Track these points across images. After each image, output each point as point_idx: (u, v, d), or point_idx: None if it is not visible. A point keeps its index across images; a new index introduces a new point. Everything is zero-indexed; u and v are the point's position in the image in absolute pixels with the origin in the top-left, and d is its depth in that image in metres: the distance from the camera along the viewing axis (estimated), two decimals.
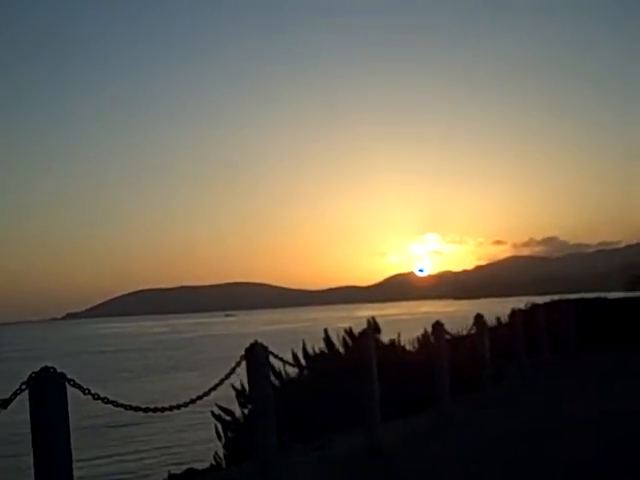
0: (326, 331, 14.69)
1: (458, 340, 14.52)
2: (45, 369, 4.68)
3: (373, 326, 15.36)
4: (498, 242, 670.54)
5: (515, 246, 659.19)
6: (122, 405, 5.30)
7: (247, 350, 6.62)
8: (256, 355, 6.62)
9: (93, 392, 5.02)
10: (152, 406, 5.83)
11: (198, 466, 12.61)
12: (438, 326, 10.85)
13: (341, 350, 14.88)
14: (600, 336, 19.11)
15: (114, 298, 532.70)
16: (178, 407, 5.93)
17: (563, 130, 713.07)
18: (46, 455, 4.58)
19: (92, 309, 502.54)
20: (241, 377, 13.83)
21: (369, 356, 8.55)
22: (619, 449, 7.47)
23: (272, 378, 14.06)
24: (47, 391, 4.63)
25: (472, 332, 13.37)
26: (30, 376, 4.63)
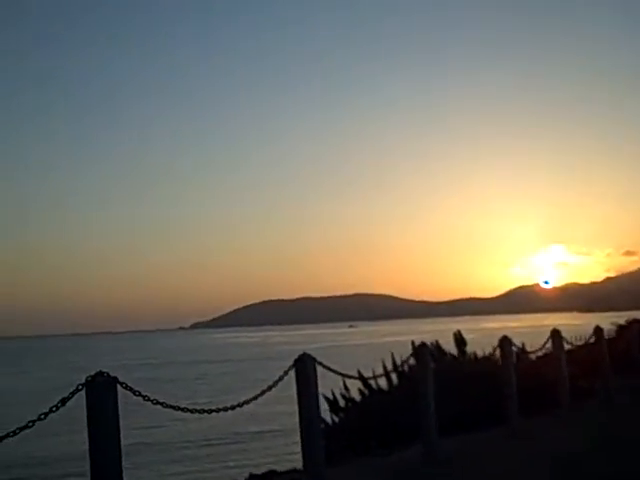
0: (413, 344, 15.16)
1: (543, 357, 14.78)
2: (100, 373, 5.46)
3: (459, 340, 15.83)
4: (629, 252, 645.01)
5: None
6: (172, 406, 6.00)
7: (296, 361, 7.24)
8: (305, 365, 7.23)
9: (143, 394, 5.75)
10: (212, 407, 6.54)
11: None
12: (506, 342, 11.20)
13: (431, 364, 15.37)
14: None
15: (238, 308, 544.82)
16: (233, 407, 6.60)
17: None
18: (99, 448, 5.36)
19: (217, 319, 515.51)
20: (333, 387, 14.55)
21: (426, 371, 9.04)
22: None
23: (361, 387, 14.84)
24: (101, 391, 5.41)
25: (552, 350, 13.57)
26: (86, 379, 5.41)
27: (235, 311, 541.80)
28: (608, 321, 20.18)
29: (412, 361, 15.01)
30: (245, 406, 6.71)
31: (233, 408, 6.48)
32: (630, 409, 12.84)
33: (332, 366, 8.57)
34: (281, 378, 7.02)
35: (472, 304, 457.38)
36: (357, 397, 14.65)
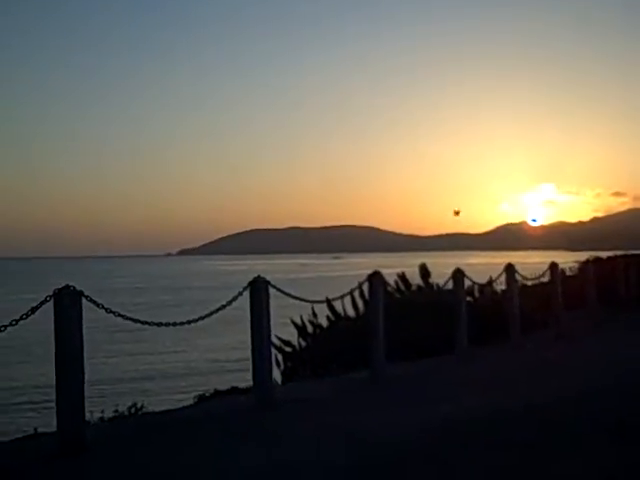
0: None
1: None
2: (66, 286, 6.12)
3: (424, 272, 16.58)
4: (617, 194, 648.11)
5: (636, 198, 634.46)
6: (130, 318, 6.69)
7: (250, 283, 7.89)
8: (258, 288, 7.89)
9: (106, 307, 6.43)
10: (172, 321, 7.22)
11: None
12: (459, 274, 11.92)
13: (396, 294, 16.17)
14: None
15: (227, 236, 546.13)
16: (195, 321, 7.30)
17: None
18: (64, 359, 6.06)
19: (205, 246, 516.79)
20: (302, 313, 15.30)
21: (377, 298, 9.75)
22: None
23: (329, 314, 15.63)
24: (67, 303, 6.08)
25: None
26: (54, 291, 6.08)
27: (224, 239, 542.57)
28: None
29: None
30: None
31: (189, 323, 7.16)
32: (569, 341, 13.62)
33: (307, 296, 9.28)
34: (234, 299, 7.65)
35: (460, 239, 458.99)
36: (325, 324, 15.49)
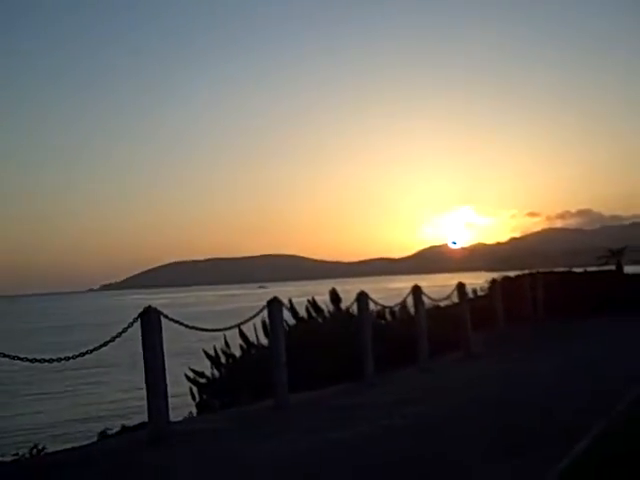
0: (290, 301, 15.91)
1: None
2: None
3: (334, 297, 16.57)
4: (532, 214, 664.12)
5: (549, 218, 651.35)
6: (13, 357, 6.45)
7: (141, 314, 7.71)
8: (149, 318, 7.71)
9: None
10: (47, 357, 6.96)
11: None
12: (363, 297, 11.93)
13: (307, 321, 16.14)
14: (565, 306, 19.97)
15: (149, 270, 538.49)
16: (73, 357, 7.07)
17: (599, 103, 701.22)
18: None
19: (127, 280, 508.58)
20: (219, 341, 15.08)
21: (277, 327, 9.68)
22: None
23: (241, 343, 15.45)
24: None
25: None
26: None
27: (145, 272, 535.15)
28: None
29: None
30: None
31: (75, 357, 6.94)
32: (475, 361, 13.82)
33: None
34: (125, 330, 7.45)
35: (383, 264, 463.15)
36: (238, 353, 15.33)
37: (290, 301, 16.24)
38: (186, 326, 8.43)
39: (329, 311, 16.06)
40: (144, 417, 8.12)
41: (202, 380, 15.17)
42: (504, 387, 10.17)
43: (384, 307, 14.94)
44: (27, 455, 8.34)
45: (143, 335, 7.69)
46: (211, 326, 9.17)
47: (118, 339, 7.40)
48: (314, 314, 16.34)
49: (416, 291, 13.75)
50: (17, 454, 8.34)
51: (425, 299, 15.47)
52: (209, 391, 14.85)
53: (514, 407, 8.47)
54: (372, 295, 13.18)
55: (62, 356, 6.95)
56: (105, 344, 7.27)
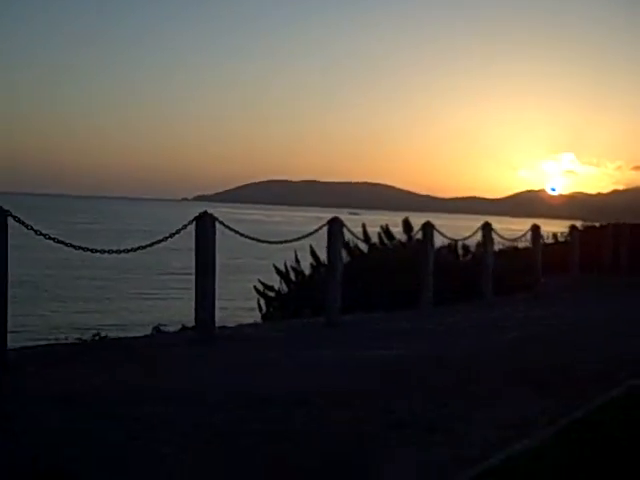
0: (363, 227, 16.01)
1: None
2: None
3: (407, 226, 16.51)
4: (637, 167, 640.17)
5: None
6: (66, 243, 6.73)
7: (196, 218, 7.86)
8: (205, 223, 7.87)
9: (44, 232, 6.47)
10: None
11: None
12: (429, 228, 11.84)
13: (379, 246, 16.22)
14: None
15: (244, 185, 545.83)
16: (127, 251, 7.32)
17: None
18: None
19: (222, 193, 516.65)
20: (286, 259, 15.40)
21: (336, 246, 9.75)
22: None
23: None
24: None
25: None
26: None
27: (240, 187, 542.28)
28: None
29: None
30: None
31: (127, 252, 7.19)
32: (543, 303, 13.66)
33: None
34: (178, 232, 7.65)
35: (477, 203, 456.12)
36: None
37: (364, 226, 16.32)
38: (242, 235, 8.57)
39: (399, 240, 16.06)
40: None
41: (270, 294, 15.51)
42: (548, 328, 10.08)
43: (454, 240, 14.82)
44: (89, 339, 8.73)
45: (197, 239, 7.86)
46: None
47: None
48: (386, 241, 16.38)
49: (485, 227, 13.56)
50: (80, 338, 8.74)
51: (498, 239, 15.30)
52: (276, 304, 15.20)
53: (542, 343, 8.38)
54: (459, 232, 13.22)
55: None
56: (159, 242, 7.50)
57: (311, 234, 9.54)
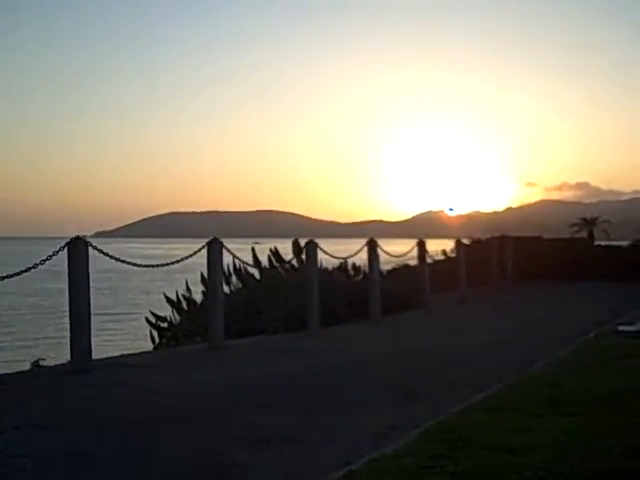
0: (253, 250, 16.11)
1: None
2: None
3: (297, 249, 16.61)
4: (530, 184, 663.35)
5: (547, 189, 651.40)
6: None
7: (68, 243, 7.71)
8: (77, 248, 7.73)
9: None
10: None
11: None
12: (311, 246, 11.92)
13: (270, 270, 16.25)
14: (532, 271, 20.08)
15: (145, 219, 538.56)
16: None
17: (599, 73, 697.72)
18: None
19: (122, 228, 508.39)
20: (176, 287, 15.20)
21: (216, 267, 9.72)
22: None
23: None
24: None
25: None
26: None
27: (141, 222, 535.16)
28: None
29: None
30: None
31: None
32: (429, 319, 13.92)
33: None
34: (49, 257, 7.47)
35: (379, 227, 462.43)
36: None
37: (253, 250, 16.40)
38: (117, 259, 8.46)
39: (290, 262, 16.12)
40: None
41: (163, 324, 15.34)
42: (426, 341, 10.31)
43: (344, 259, 14.94)
44: None
45: (69, 265, 7.68)
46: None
47: None
48: (276, 264, 16.42)
49: (370, 244, 13.72)
50: None
51: (390, 258, 15.51)
52: (168, 334, 15.00)
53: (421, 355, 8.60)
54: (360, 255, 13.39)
55: None
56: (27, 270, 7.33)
57: (184, 259, 9.46)
